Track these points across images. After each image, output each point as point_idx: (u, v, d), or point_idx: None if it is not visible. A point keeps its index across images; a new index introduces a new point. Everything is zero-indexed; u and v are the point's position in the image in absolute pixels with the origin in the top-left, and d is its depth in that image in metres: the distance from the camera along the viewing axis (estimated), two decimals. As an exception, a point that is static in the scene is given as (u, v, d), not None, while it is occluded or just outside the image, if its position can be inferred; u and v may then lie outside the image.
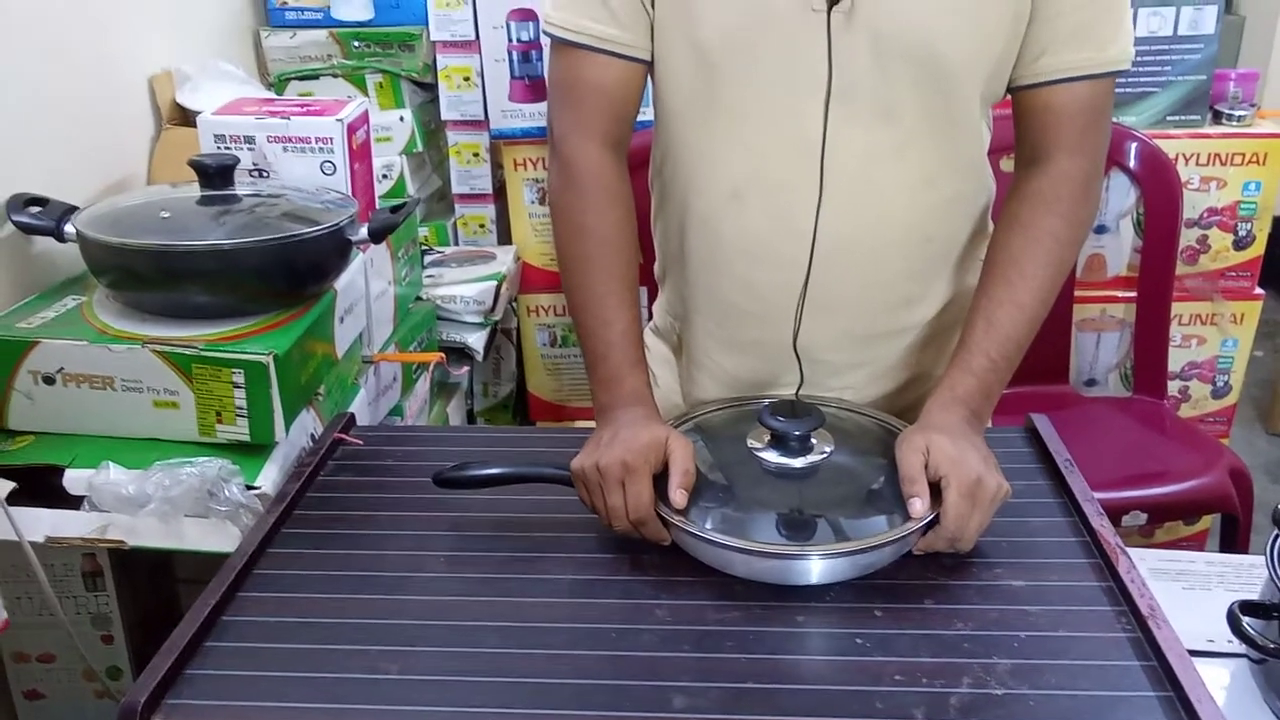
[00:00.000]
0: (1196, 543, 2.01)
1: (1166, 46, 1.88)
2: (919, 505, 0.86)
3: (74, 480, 1.04)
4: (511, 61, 1.88)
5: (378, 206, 1.44)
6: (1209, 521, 1.99)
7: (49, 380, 1.08)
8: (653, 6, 0.95)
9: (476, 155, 1.99)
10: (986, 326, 0.96)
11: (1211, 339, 2.02)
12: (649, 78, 1.00)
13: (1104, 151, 1.00)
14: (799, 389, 1.08)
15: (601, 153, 0.99)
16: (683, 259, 1.07)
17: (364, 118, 1.42)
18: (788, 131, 0.95)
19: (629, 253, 1.01)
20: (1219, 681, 0.95)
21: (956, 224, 1.04)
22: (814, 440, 0.94)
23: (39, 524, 1.02)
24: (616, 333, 0.98)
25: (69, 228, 1.17)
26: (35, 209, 1.19)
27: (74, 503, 1.04)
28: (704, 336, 1.10)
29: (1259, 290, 1.99)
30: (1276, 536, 0.92)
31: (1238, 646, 0.93)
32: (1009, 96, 1.00)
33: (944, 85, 0.93)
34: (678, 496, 0.88)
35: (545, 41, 1.72)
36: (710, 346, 1.10)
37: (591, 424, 1.13)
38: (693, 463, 0.91)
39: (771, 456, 0.93)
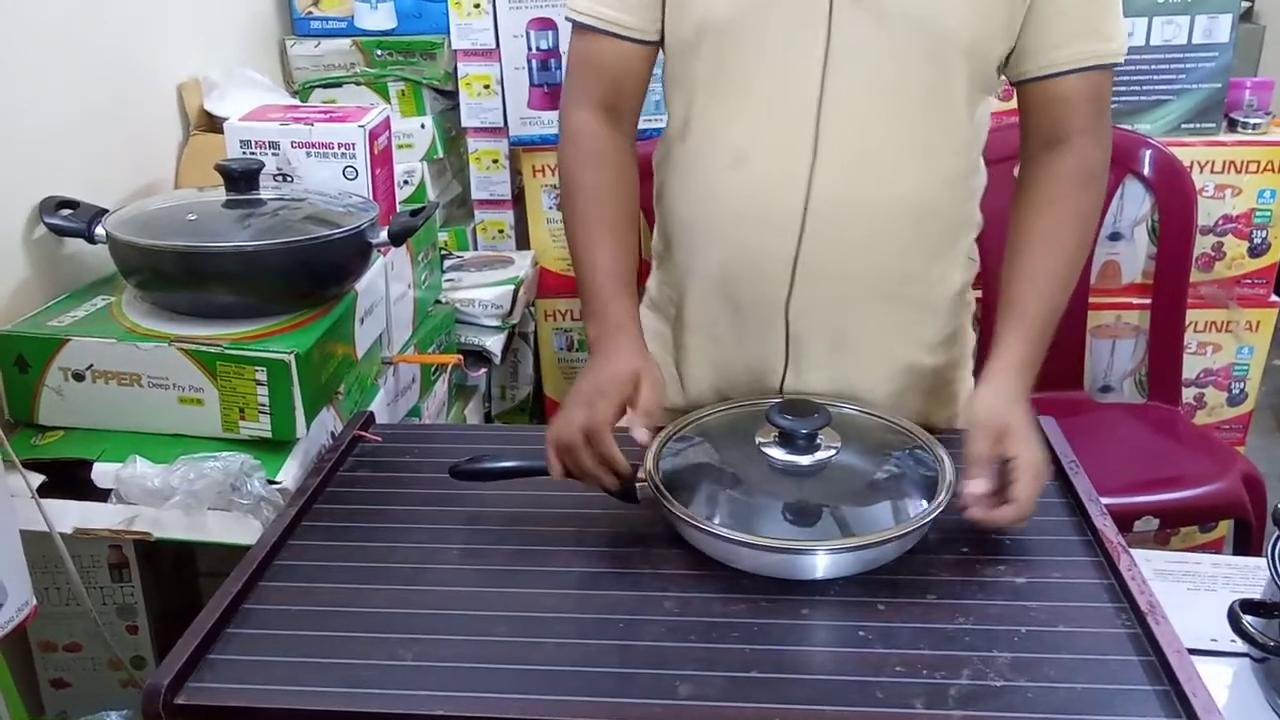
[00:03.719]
0: (1213, 550, 2.01)
1: (1181, 54, 1.89)
2: (977, 487, 0.89)
3: (102, 474, 1.07)
4: (531, 70, 1.91)
5: (398, 211, 1.47)
6: (1225, 528, 1.99)
7: (79, 377, 1.11)
8: None
9: (496, 161, 2.02)
10: (1035, 295, 1.01)
11: (1227, 346, 2.01)
12: (661, 52, 1.07)
13: (1111, 139, 1.07)
14: (785, 370, 1.11)
15: (598, 120, 1.07)
16: (684, 228, 1.10)
17: (385, 124, 1.45)
18: (787, 98, 1.00)
19: (622, 207, 1.07)
20: (1221, 680, 0.96)
21: (949, 204, 1.07)
22: (821, 438, 0.96)
23: (68, 515, 1.05)
24: (603, 272, 1.04)
25: (99, 230, 1.20)
26: (66, 211, 1.22)
27: (102, 495, 1.07)
28: (699, 307, 1.13)
29: (1275, 298, 1.99)
30: (1277, 537, 0.93)
31: (1241, 646, 0.94)
32: (1012, 90, 1.04)
33: (942, 59, 0.98)
34: (640, 435, 0.93)
35: (564, 49, 1.75)
36: (704, 319, 1.13)
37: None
38: (657, 403, 0.95)
39: (779, 454, 0.95)
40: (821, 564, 0.88)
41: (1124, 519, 1.65)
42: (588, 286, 1.05)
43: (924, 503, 0.92)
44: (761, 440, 0.97)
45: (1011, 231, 1.05)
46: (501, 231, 2.07)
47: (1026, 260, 1.03)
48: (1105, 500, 0.99)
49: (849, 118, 0.99)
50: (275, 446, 1.12)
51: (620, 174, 1.08)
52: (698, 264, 1.11)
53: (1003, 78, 1.05)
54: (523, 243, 2.07)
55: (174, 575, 1.21)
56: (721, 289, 1.10)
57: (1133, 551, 0.92)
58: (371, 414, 1.19)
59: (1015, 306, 1.01)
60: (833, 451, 0.95)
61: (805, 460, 0.95)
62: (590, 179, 1.07)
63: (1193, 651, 0.80)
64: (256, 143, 1.38)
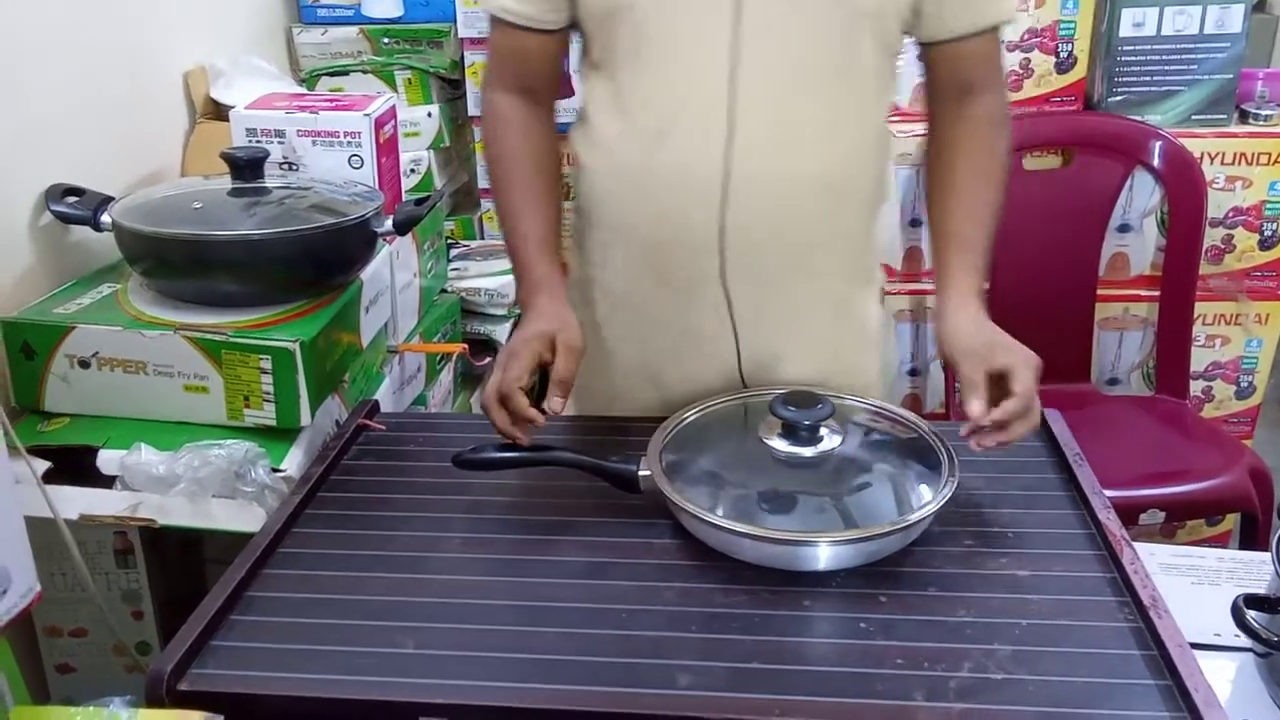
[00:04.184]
0: (1219, 544, 2.00)
1: (1192, 45, 1.88)
2: (977, 406, 0.93)
3: (107, 460, 1.08)
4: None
5: (404, 199, 1.47)
6: (1231, 522, 1.98)
7: (84, 364, 1.12)
8: None
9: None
10: (976, 225, 1.07)
11: (1236, 339, 2.00)
12: (576, 34, 1.11)
13: (1007, 88, 1.15)
14: (737, 344, 1.12)
15: (513, 98, 1.12)
16: (604, 204, 1.12)
17: (391, 113, 1.45)
18: (701, 74, 1.02)
19: (544, 174, 1.12)
20: (1224, 675, 0.96)
21: (860, 170, 1.10)
22: (823, 430, 0.95)
23: (73, 502, 1.05)
24: (523, 235, 1.09)
25: (105, 217, 1.21)
26: (73, 199, 1.23)
27: (107, 482, 1.07)
28: (627, 284, 1.14)
29: (1284, 291, 1.98)
30: (1282, 531, 0.93)
31: (1244, 641, 0.93)
32: (924, 55, 1.10)
33: (850, 27, 1.02)
34: (554, 404, 0.96)
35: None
36: (632, 296, 1.14)
37: (610, 416, 1.16)
38: (571, 370, 0.98)
39: (781, 445, 0.95)
40: (823, 556, 0.88)
41: (1130, 512, 1.65)
42: (513, 252, 1.10)
43: (926, 495, 0.91)
44: (764, 431, 0.97)
45: (937, 172, 1.12)
46: (508, 220, 2.06)
47: (962, 194, 1.08)
48: (1111, 493, 0.99)
49: (762, 90, 1.02)
50: (280, 434, 1.12)
51: (540, 143, 1.13)
52: (622, 240, 1.12)
53: (906, 39, 1.09)
54: (529, 232, 2.06)
55: (179, 561, 1.22)
56: (650, 263, 1.10)
57: (1137, 545, 0.92)
58: (376, 402, 1.19)
59: (958, 237, 1.07)
60: (835, 443, 0.95)
61: (808, 452, 0.95)
62: (511, 148, 1.12)
63: (1196, 646, 0.80)
64: (262, 131, 1.38)
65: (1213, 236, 1.94)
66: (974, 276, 1.05)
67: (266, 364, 1.10)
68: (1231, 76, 1.89)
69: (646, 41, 1.03)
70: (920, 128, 1.18)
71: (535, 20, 1.08)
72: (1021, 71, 1.92)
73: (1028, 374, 0.94)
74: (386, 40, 1.94)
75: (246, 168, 1.26)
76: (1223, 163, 1.90)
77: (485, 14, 1.12)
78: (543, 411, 0.96)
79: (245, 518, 1.05)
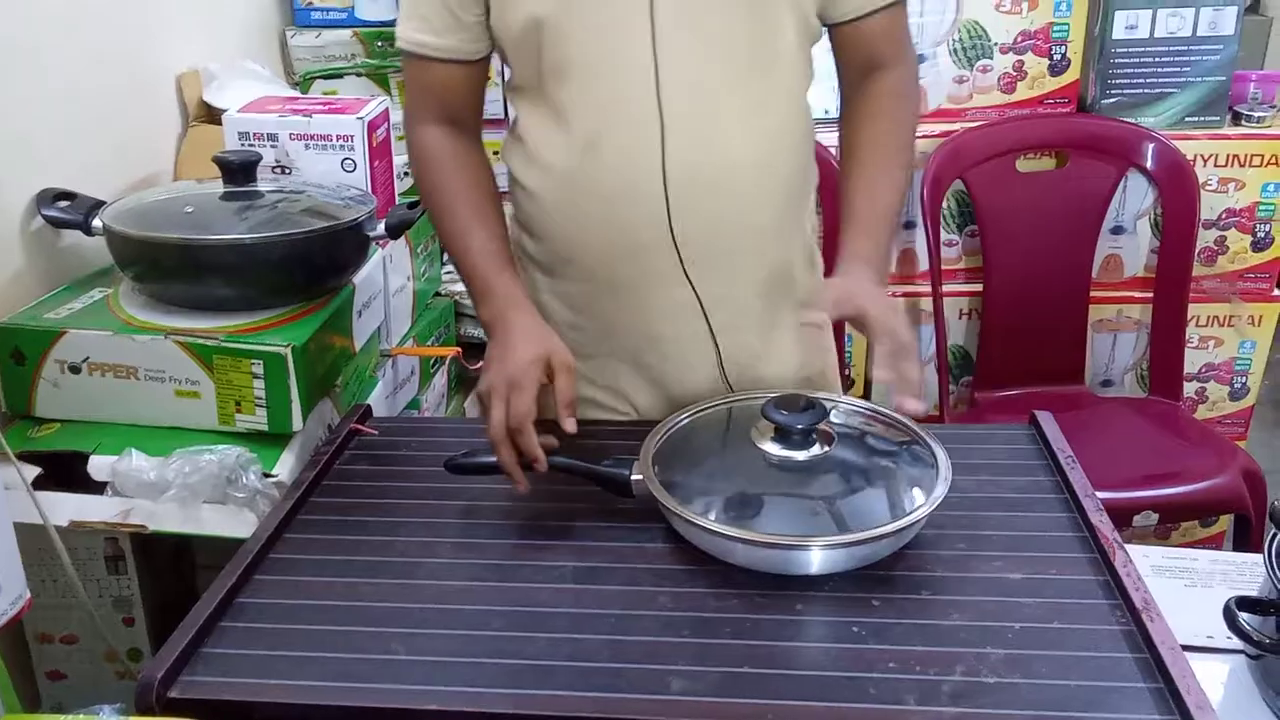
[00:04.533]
0: (1213, 545, 2.00)
1: (1185, 47, 1.88)
2: (816, 317, 0.97)
3: (97, 466, 1.07)
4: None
5: (397, 203, 1.46)
6: (1225, 523, 1.99)
7: (75, 369, 1.12)
8: (482, 8, 1.05)
9: (496, 153, 2.00)
10: (870, 198, 1.08)
11: (1229, 341, 2.01)
12: (496, 59, 1.13)
13: (915, 59, 1.17)
14: (715, 343, 1.12)
15: (438, 131, 1.12)
16: (553, 220, 1.11)
17: (384, 116, 1.45)
18: (626, 75, 1.03)
19: (483, 195, 1.12)
20: (1217, 677, 0.96)
21: (789, 154, 1.11)
22: (816, 433, 0.95)
23: (63, 508, 1.05)
24: (478, 252, 1.07)
25: (96, 222, 1.21)
26: (64, 203, 1.22)
27: (97, 488, 1.07)
28: (584, 302, 1.14)
29: (1278, 292, 1.98)
30: (1275, 534, 0.93)
31: (1237, 643, 0.93)
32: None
33: (768, 14, 1.04)
34: (569, 425, 0.96)
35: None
36: (594, 313, 1.13)
37: (605, 417, 1.15)
38: (575, 390, 0.98)
39: (774, 449, 0.95)
40: (816, 559, 0.88)
41: (1124, 514, 1.65)
42: (467, 271, 1.08)
43: (919, 498, 0.91)
44: (756, 435, 0.96)
45: (844, 146, 1.14)
46: (502, 224, 2.06)
47: (856, 172, 1.10)
48: (1105, 495, 0.99)
49: (685, 79, 1.03)
50: (272, 439, 1.12)
51: (473, 168, 1.13)
52: (575, 252, 1.11)
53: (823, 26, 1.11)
54: (523, 235, 2.06)
55: (171, 567, 1.22)
56: (609, 271, 1.10)
57: (1130, 547, 0.92)
58: (369, 407, 1.19)
59: (850, 212, 1.09)
60: (828, 447, 0.95)
61: (800, 455, 0.94)
62: (444, 178, 1.11)
63: (1188, 648, 0.80)
64: (255, 134, 1.38)
65: (1206, 238, 1.95)
66: (861, 242, 1.06)
67: (258, 369, 1.10)
68: (1225, 78, 1.89)
69: (566, 54, 1.03)
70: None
71: (456, 52, 1.09)
72: (1015, 74, 1.92)
73: (884, 308, 0.95)
74: (380, 43, 1.94)
75: (239, 171, 1.26)
76: (1216, 164, 1.91)
77: (401, 50, 1.11)
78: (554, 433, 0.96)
79: (237, 524, 1.04)
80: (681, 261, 1.08)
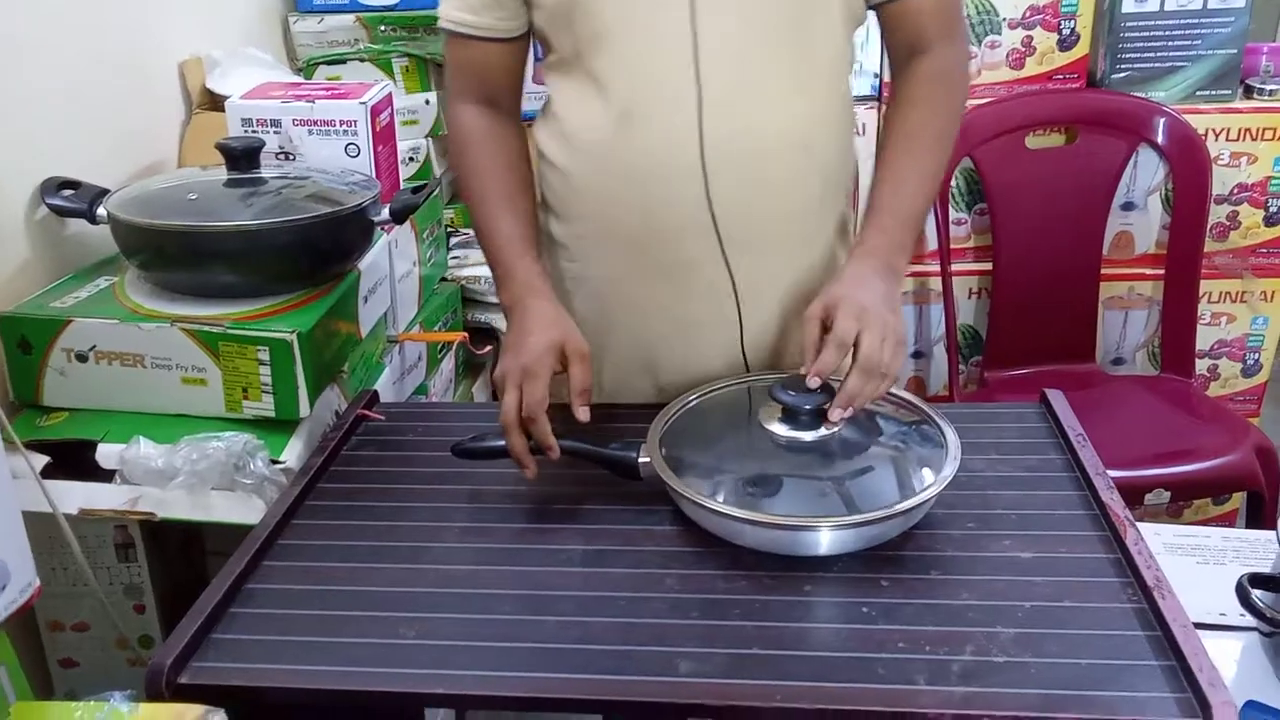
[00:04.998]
0: (1226, 522, 1.99)
1: (1196, 19, 1.86)
2: (813, 381, 0.94)
3: (106, 454, 1.07)
4: (535, 45, 1.89)
5: (402, 188, 1.46)
6: (1238, 501, 1.97)
7: (82, 358, 1.11)
8: None
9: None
10: (894, 189, 1.06)
11: (1242, 317, 1.99)
12: (533, 40, 1.12)
13: (966, 38, 1.15)
14: (740, 325, 1.11)
15: (477, 111, 1.12)
16: (584, 199, 1.10)
17: (388, 101, 1.44)
18: (663, 47, 1.02)
19: (516, 178, 1.12)
20: (1229, 654, 0.95)
21: (829, 139, 1.10)
22: (823, 415, 0.95)
23: (72, 496, 1.05)
24: (504, 237, 1.08)
25: (101, 210, 1.20)
26: (68, 192, 1.22)
27: (106, 476, 1.07)
28: (614, 276, 1.12)
29: (1290, 267, 1.97)
30: (1288, 510, 0.92)
31: (1249, 620, 0.93)
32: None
33: None
34: (583, 414, 0.97)
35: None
36: (626, 294, 1.12)
37: (608, 403, 1.15)
38: (590, 378, 0.98)
39: (782, 430, 0.95)
40: (824, 540, 0.88)
41: (1136, 492, 1.64)
42: (492, 255, 1.09)
43: (928, 477, 0.91)
44: (764, 416, 0.96)
45: (885, 129, 1.11)
46: (508, 208, 2.05)
47: (886, 160, 1.08)
48: (1116, 473, 0.98)
49: (726, 57, 1.02)
50: (279, 426, 1.12)
51: (509, 150, 1.12)
52: (605, 232, 1.10)
53: (868, 10, 1.09)
54: (529, 219, 2.05)
55: (181, 554, 1.22)
56: (641, 252, 1.09)
57: (1141, 525, 0.91)
58: (375, 393, 1.19)
59: (872, 202, 1.06)
60: (836, 427, 0.94)
61: (808, 436, 0.94)
62: (479, 160, 1.11)
63: (1201, 626, 0.79)
64: (258, 121, 1.38)
65: (1218, 214, 1.93)
66: (875, 235, 1.04)
67: (264, 355, 1.09)
68: (1236, 51, 1.87)
69: (603, 22, 1.02)
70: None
71: (494, 30, 1.08)
72: (1024, 49, 1.90)
73: (846, 322, 0.93)
74: (383, 27, 1.93)
75: (242, 158, 1.26)
76: (1228, 139, 1.89)
77: (443, 29, 1.10)
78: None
79: (245, 510, 1.04)
80: (721, 242, 1.07)
